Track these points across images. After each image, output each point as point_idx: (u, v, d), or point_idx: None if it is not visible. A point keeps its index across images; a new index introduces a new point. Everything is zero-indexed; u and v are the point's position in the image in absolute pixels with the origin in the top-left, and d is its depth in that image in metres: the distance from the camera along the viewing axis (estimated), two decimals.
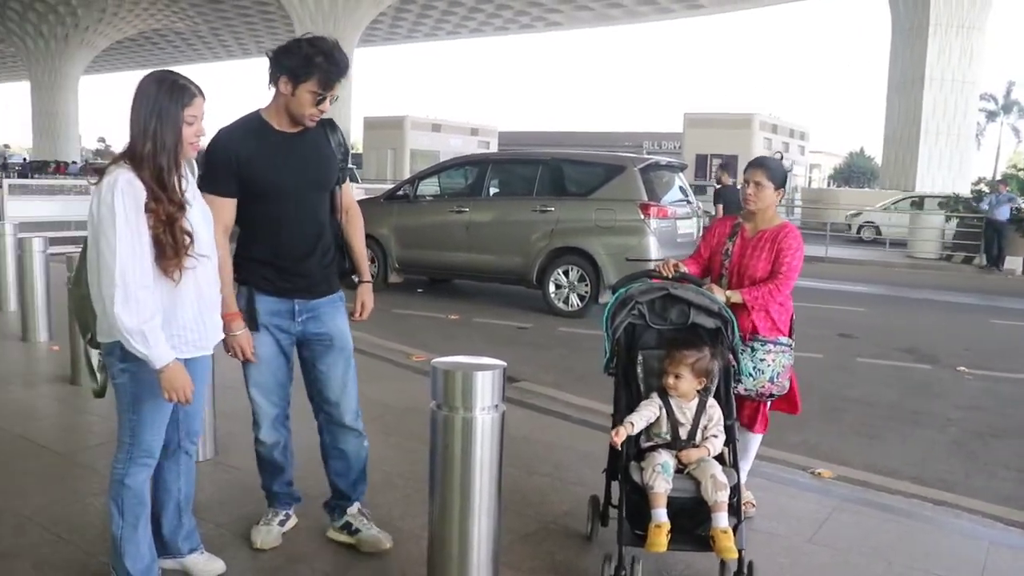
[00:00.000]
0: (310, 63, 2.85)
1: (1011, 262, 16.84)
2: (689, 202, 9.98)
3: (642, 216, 8.85)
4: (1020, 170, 24.03)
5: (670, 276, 3.37)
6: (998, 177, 20.20)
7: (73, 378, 5.51)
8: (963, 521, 3.84)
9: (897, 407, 5.99)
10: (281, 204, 3.00)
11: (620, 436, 2.94)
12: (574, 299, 9.22)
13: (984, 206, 17.44)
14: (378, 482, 3.69)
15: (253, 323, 3.03)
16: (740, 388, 3.42)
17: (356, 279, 3.27)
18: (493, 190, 10.22)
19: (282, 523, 3.31)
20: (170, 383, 2.51)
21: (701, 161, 33.66)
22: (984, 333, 9.60)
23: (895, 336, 8.86)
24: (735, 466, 3.01)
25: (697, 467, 2.90)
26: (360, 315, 3.25)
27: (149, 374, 2.52)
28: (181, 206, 2.54)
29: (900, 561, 3.32)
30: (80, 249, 2.75)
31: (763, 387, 3.51)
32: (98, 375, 2.91)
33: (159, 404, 2.60)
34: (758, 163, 3.66)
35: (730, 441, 3.06)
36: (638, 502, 2.88)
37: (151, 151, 2.50)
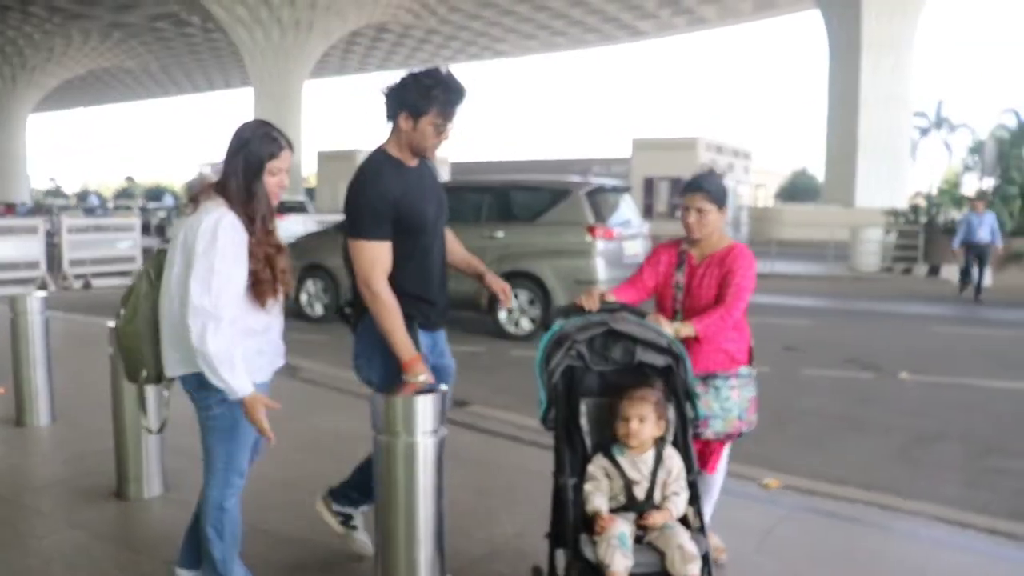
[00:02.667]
0: (428, 95, 2.86)
1: (946, 271, 17.32)
2: (634, 224, 10.14)
3: (589, 238, 8.99)
4: (953, 185, 24.65)
5: (596, 308, 2.91)
6: (933, 192, 20.51)
7: (18, 419, 5.40)
8: (907, 524, 3.97)
9: (842, 416, 6.15)
10: (427, 236, 3.05)
11: (609, 523, 2.49)
12: (525, 322, 9.34)
13: (959, 228, 15.21)
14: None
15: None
16: (709, 432, 3.15)
17: (480, 277, 3.29)
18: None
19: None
20: (256, 411, 2.61)
21: (648, 184, 34.23)
22: (925, 340, 9.88)
23: (838, 347, 9.08)
24: (702, 529, 2.61)
25: (660, 534, 2.52)
26: (506, 299, 3.25)
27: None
28: (279, 247, 2.76)
29: (844, 566, 3.41)
30: (131, 284, 2.82)
31: (733, 427, 3.19)
32: (161, 410, 3.07)
33: (251, 428, 2.70)
34: (696, 187, 3.24)
35: (695, 499, 2.66)
36: None
37: (245, 197, 2.68)
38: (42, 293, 5.60)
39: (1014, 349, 9.32)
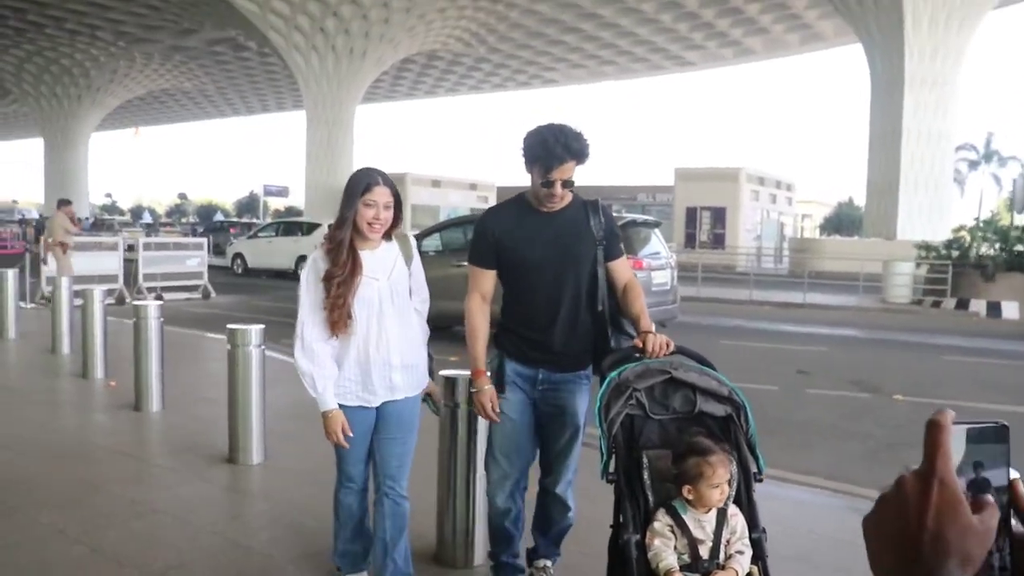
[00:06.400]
0: (531, 154, 3.07)
1: (974, 305, 17.90)
2: (663, 255, 11.14)
3: None
4: (997, 217, 24.96)
5: (666, 354, 2.86)
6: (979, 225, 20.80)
7: (136, 405, 6.60)
8: (847, 500, 4.92)
9: (831, 427, 7.05)
10: (530, 277, 3.18)
11: None
12: None
13: None
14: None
15: (500, 385, 3.19)
16: None
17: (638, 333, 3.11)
18: None
19: None
20: (328, 425, 3.08)
21: (691, 213, 34.99)
22: (931, 367, 10.66)
23: (847, 371, 9.92)
24: None
25: None
26: (655, 350, 2.86)
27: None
28: (348, 277, 3.02)
29: (785, 529, 4.36)
30: None
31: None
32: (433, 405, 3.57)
33: (355, 441, 3.15)
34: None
35: (759, 558, 2.60)
36: None
37: (334, 226, 3.10)
38: (157, 303, 6.79)
39: (1012, 377, 10.06)
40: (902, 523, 0.65)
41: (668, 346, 2.87)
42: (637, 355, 2.86)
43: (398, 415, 3.21)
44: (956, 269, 18.76)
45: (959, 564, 0.63)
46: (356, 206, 3.03)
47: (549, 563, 3.47)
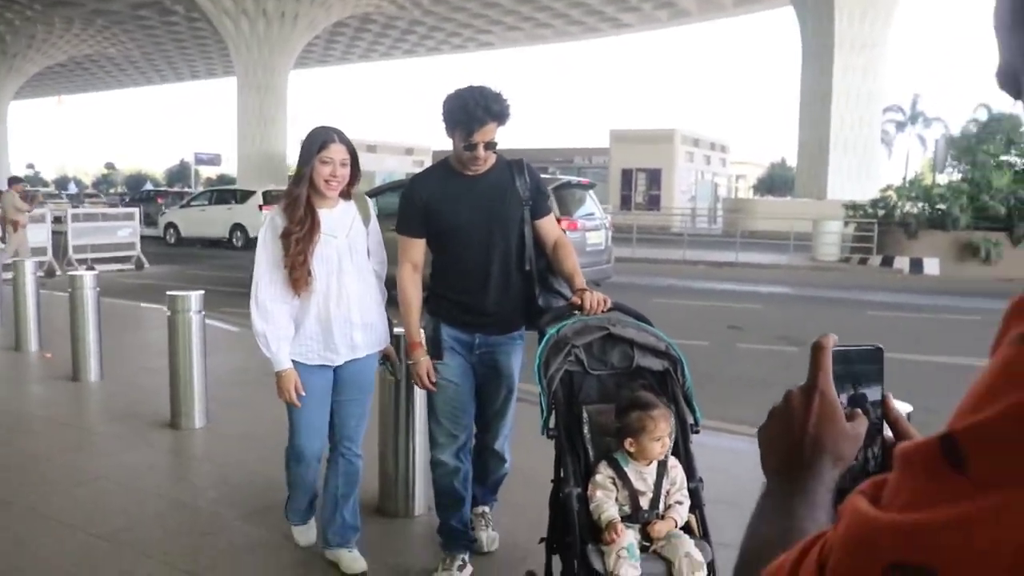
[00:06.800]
0: (451, 117, 3.02)
1: (898, 262, 18.58)
2: (597, 216, 11.33)
3: None
4: (921, 177, 25.67)
5: (603, 311, 2.89)
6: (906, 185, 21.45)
7: (74, 375, 6.57)
8: None
9: (760, 380, 7.34)
10: (458, 241, 3.17)
11: (621, 535, 2.49)
12: None
13: None
14: None
15: (437, 352, 3.19)
16: None
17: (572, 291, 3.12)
18: None
19: (460, 569, 3.31)
20: (281, 384, 3.09)
21: (626, 175, 35.33)
22: (857, 322, 11.09)
23: (777, 326, 10.29)
24: (706, 536, 2.63)
25: (666, 543, 2.53)
26: (592, 307, 2.89)
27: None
28: (307, 234, 3.02)
29: (716, 476, 4.60)
30: None
31: None
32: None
33: (302, 405, 3.13)
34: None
35: (696, 506, 2.67)
36: None
37: (291, 184, 3.12)
38: (92, 272, 6.72)
39: (931, 330, 10.55)
40: (788, 429, 0.75)
41: (605, 303, 2.91)
42: (575, 312, 2.90)
43: (358, 375, 3.25)
44: (882, 227, 19.39)
45: (832, 461, 0.74)
46: (312, 163, 3.03)
47: (487, 508, 3.63)
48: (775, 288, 15.11)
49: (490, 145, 3.05)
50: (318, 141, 3.04)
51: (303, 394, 3.08)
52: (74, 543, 3.59)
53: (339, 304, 3.12)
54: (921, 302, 13.18)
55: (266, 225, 3.13)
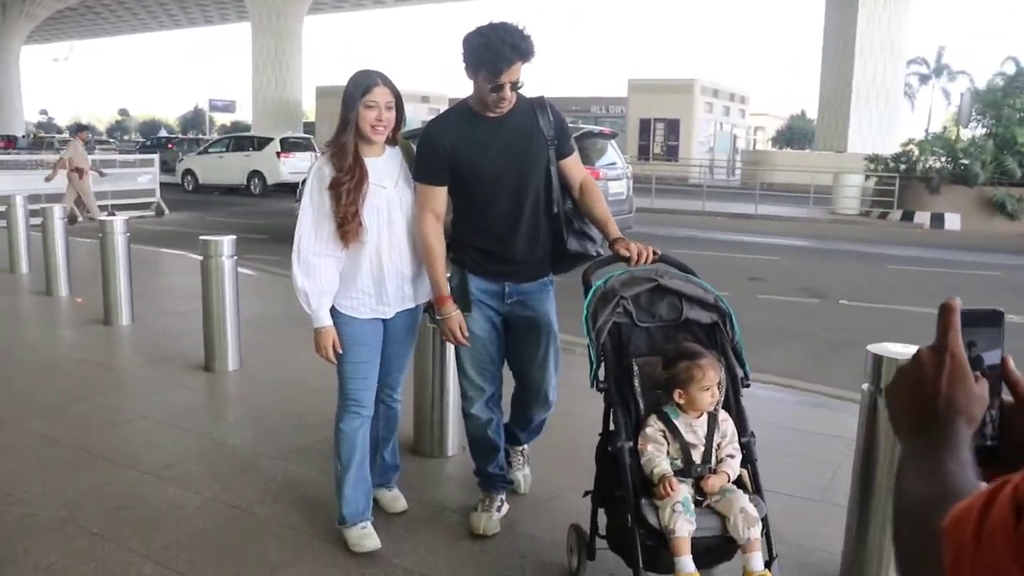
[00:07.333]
0: (476, 56, 2.84)
1: (919, 217, 18.45)
2: (619, 166, 11.30)
3: None
4: (947, 132, 25.29)
5: (650, 261, 2.86)
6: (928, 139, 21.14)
7: (106, 319, 6.70)
8: (802, 397, 5.29)
9: (781, 329, 7.40)
10: (484, 188, 3.02)
11: (676, 489, 2.47)
12: None
13: None
14: None
15: (466, 304, 3.08)
16: None
17: (608, 240, 3.06)
18: None
19: (499, 508, 3.33)
20: (319, 341, 2.96)
21: (645, 125, 35.01)
22: (876, 276, 11.11)
23: (797, 278, 10.32)
24: (759, 491, 2.60)
25: (721, 498, 2.51)
26: (639, 259, 2.87)
27: (343, 334, 2.97)
28: (357, 184, 2.89)
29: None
30: None
31: None
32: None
33: (355, 359, 3.01)
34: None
35: (749, 461, 2.64)
36: (654, 548, 2.46)
37: (336, 131, 2.95)
38: (123, 217, 6.80)
39: (949, 284, 10.52)
40: (919, 388, 0.77)
41: (653, 253, 2.86)
42: (622, 263, 2.83)
43: (407, 325, 3.18)
44: (903, 182, 19.21)
45: (966, 422, 0.76)
46: (357, 108, 2.91)
47: (526, 447, 3.63)
48: (794, 241, 15.08)
49: (516, 85, 2.89)
50: (362, 85, 2.91)
51: (340, 351, 2.97)
52: (122, 479, 3.72)
53: (391, 256, 3.01)
54: (942, 257, 13.13)
55: (312, 175, 3.00)
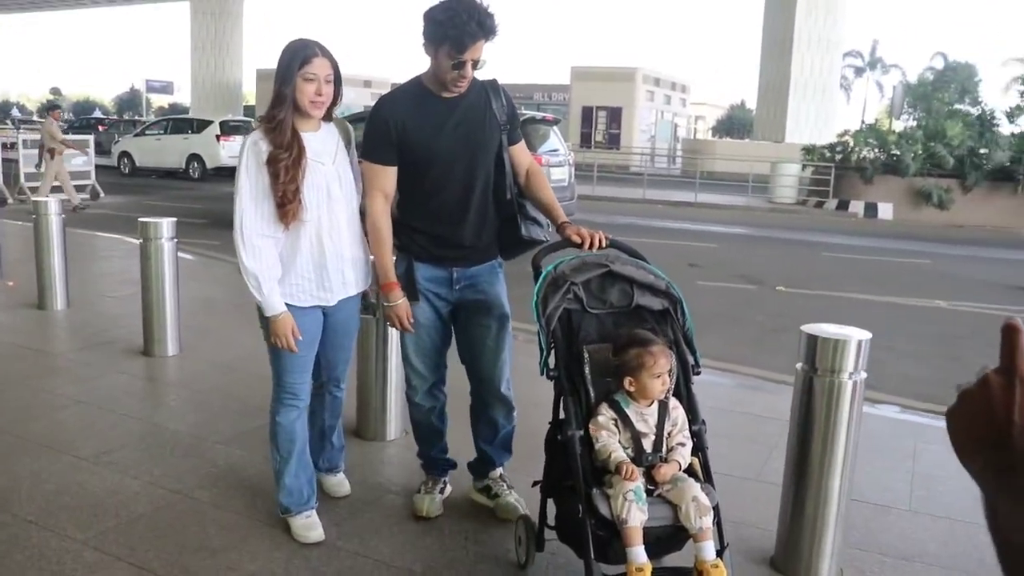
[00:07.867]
0: (439, 31, 2.73)
1: (853, 206, 18.94)
2: (561, 152, 11.38)
3: None
4: (878, 122, 25.98)
5: (602, 246, 2.82)
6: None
7: (40, 303, 6.52)
8: (742, 380, 5.43)
9: (720, 315, 7.55)
10: (436, 171, 2.92)
11: (634, 473, 2.44)
12: None
13: None
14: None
15: (412, 292, 2.99)
16: None
17: (553, 226, 3.02)
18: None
19: (442, 491, 3.33)
20: (276, 329, 2.79)
21: (587, 113, 35.21)
22: (811, 263, 11.39)
23: (735, 265, 10.53)
24: (710, 480, 2.59)
25: (673, 487, 2.48)
26: (590, 244, 2.82)
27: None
28: (296, 160, 2.72)
29: None
30: None
31: None
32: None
33: (300, 351, 2.86)
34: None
35: (700, 449, 2.62)
36: (605, 538, 2.42)
37: (271, 105, 2.76)
38: (57, 198, 6.61)
39: (882, 271, 10.87)
40: (988, 417, 0.69)
41: (604, 239, 2.82)
42: (572, 248, 2.79)
43: (347, 316, 3.07)
44: (838, 172, 19.72)
45: None
46: (294, 81, 2.72)
47: (501, 470, 3.36)
48: (733, 229, 15.36)
49: (477, 64, 2.79)
50: (300, 56, 2.72)
51: (300, 338, 2.83)
52: (59, 465, 3.64)
53: (331, 237, 2.87)
54: (875, 245, 13.52)
55: (247, 149, 2.78)
